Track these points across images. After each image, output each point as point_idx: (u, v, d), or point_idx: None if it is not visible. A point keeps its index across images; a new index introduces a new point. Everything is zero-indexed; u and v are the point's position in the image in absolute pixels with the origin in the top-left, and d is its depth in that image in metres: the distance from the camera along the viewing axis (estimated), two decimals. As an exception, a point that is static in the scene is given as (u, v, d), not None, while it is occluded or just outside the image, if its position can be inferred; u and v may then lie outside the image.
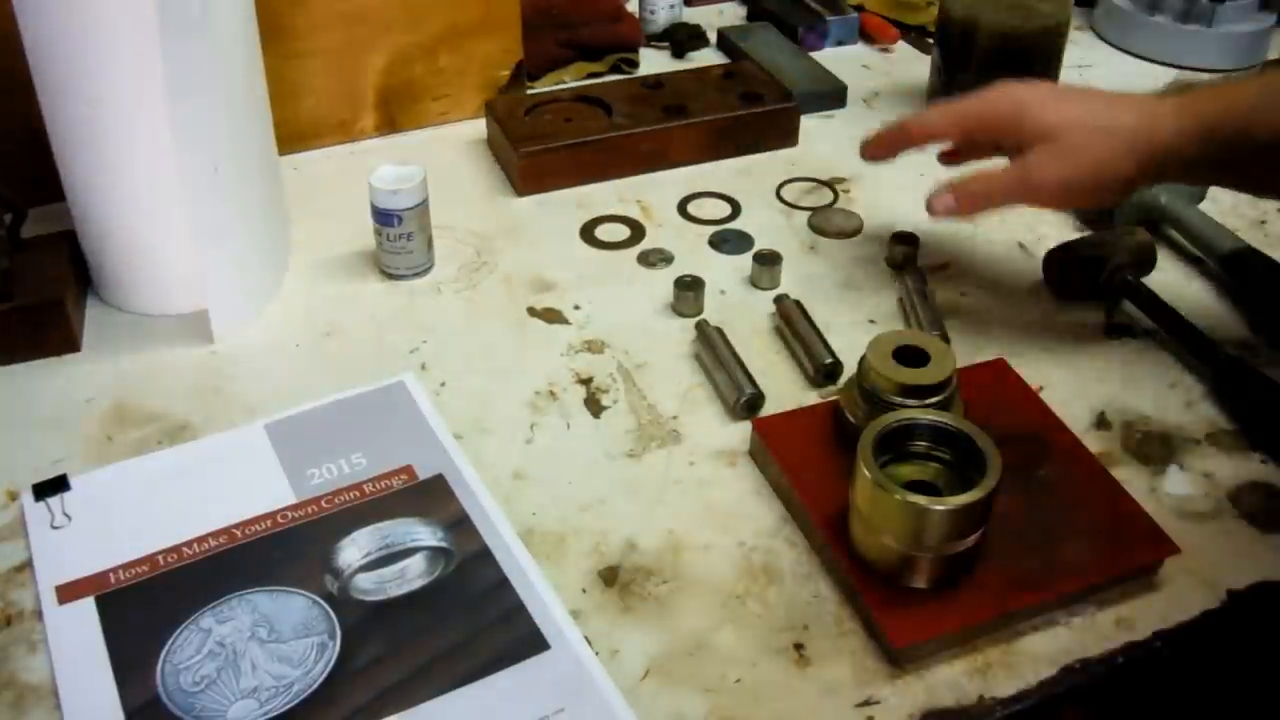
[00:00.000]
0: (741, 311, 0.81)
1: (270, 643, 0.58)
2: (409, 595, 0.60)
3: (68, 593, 0.60)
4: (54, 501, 0.65)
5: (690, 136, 0.97)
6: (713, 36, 1.20)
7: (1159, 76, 1.13)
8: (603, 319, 0.81)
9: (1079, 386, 0.76)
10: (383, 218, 0.82)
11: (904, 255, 0.85)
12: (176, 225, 0.75)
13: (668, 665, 0.58)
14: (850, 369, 0.74)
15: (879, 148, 0.80)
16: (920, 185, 0.78)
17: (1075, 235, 0.86)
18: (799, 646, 0.59)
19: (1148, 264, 0.83)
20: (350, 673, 0.56)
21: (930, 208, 0.75)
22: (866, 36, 1.22)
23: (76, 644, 0.58)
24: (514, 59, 1.04)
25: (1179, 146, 0.69)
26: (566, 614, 0.59)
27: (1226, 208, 0.92)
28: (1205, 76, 1.12)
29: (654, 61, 1.15)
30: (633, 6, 1.20)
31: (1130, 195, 0.79)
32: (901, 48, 1.21)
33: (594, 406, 0.73)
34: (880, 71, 1.16)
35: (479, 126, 1.02)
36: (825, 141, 1.03)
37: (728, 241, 0.89)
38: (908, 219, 0.89)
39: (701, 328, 0.77)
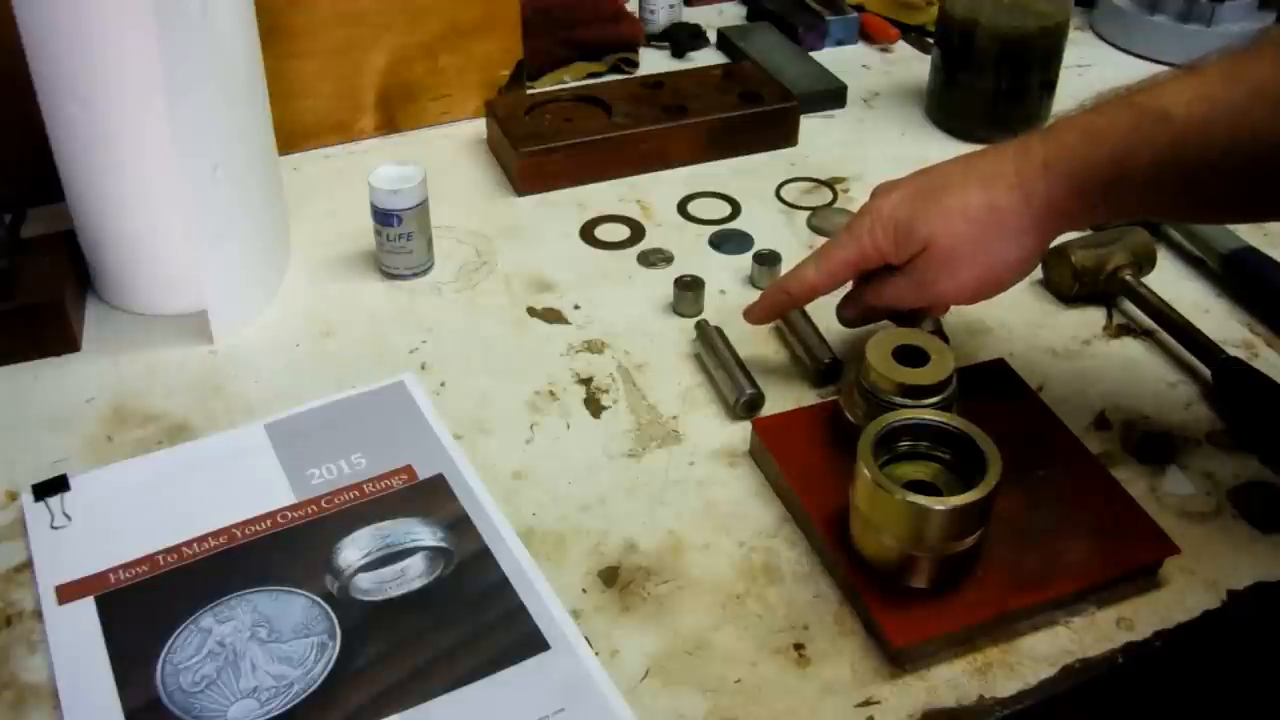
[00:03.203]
0: (741, 311, 0.81)
1: (270, 643, 0.58)
2: (409, 595, 0.60)
3: (68, 593, 0.60)
4: (54, 501, 0.65)
5: (690, 136, 0.97)
6: (713, 36, 1.20)
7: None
8: (603, 319, 0.81)
9: (1079, 386, 0.76)
10: (383, 218, 0.82)
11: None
12: (176, 225, 0.75)
13: (668, 665, 0.58)
14: (850, 369, 0.74)
15: (762, 313, 0.74)
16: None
17: (1075, 235, 0.86)
18: (799, 646, 0.59)
19: (1148, 264, 0.83)
20: (350, 673, 0.56)
21: (841, 318, 0.74)
22: (866, 36, 1.22)
23: (76, 644, 0.58)
24: (514, 59, 1.04)
25: (1059, 205, 0.64)
26: (566, 614, 0.59)
27: (1226, 208, 0.92)
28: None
29: (654, 61, 1.15)
30: (633, 6, 1.20)
31: (1043, 256, 0.69)
32: (901, 48, 1.21)
33: (594, 406, 0.73)
34: (880, 71, 1.16)
35: (479, 126, 1.02)
36: (825, 141, 1.03)
37: (728, 241, 0.89)
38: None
39: (701, 328, 0.77)
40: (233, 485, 0.66)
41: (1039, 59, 1.00)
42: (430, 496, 0.66)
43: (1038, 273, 0.85)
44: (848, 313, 0.74)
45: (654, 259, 0.87)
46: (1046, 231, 0.66)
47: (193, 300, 0.78)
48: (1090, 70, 1.15)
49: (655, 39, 1.18)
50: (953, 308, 0.76)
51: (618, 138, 0.95)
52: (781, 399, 0.74)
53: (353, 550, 0.62)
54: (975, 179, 0.66)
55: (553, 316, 0.81)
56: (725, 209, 0.93)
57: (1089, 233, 0.84)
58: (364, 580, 0.61)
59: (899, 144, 1.03)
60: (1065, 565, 0.60)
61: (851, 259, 0.70)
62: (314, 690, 0.55)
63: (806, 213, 0.92)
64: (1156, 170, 0.60)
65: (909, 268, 0.68)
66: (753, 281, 0.84)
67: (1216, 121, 0.58)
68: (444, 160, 0.98)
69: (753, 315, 0.75)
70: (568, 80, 1.10)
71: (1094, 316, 0.82)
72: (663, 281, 0.83)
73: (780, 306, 0.74)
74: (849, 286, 0.74)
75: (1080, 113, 0.64)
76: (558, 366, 0.77)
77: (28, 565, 0.62)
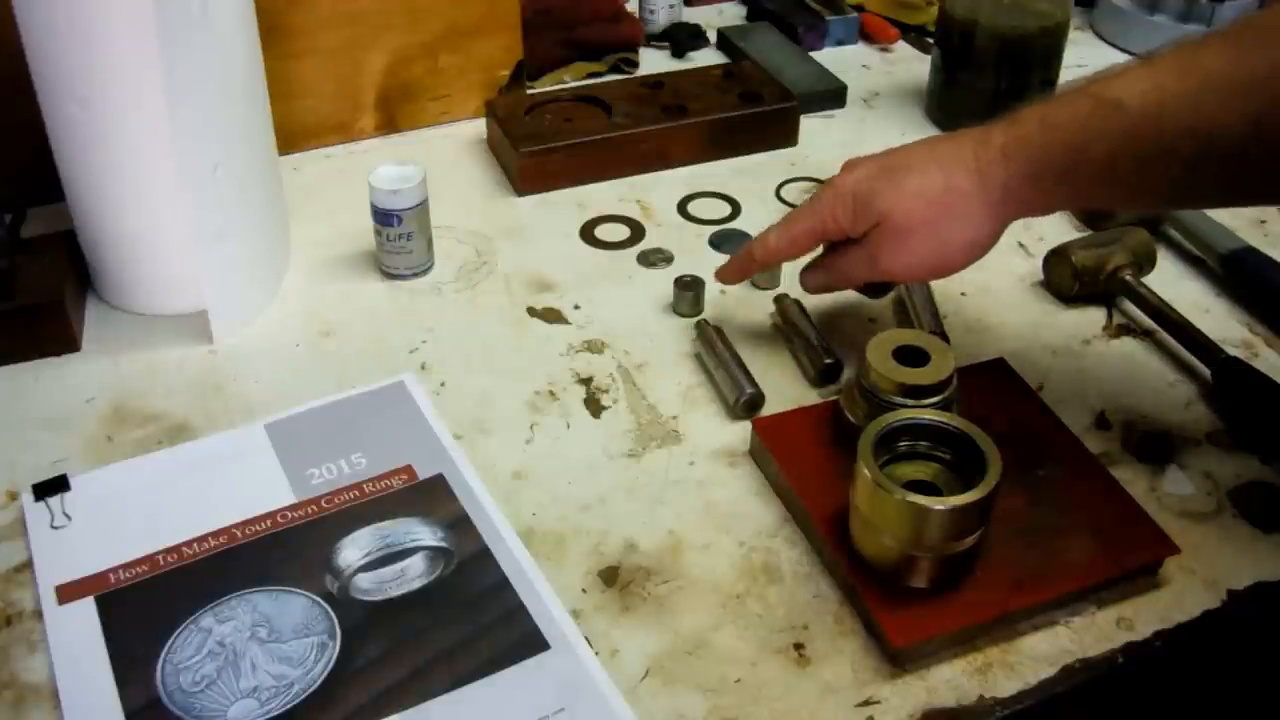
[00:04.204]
0: (741, 311, 0.81)
1: (270, 643, 0.58)
2: (409, 595, 0.60)
3: (68, 593, 0.60)
4: (54, 501, 0.65)
5: (690, 136, 0.97)
6: (713, 36, 1.20)
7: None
8: (603, 319, 0.81)
9: (1079, 386, 0.76)
10: (383, 218, 0.82)
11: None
12: (176, 225, 0.75)
13: (668, 665, 0.58)
14: (850, 369, 0.74)
15: (731, 274, 0.79)
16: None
17: (1075, 235, 0.86)
18: (799, 646, 0.59)
19: (1148, 264, 0.83)
20: (350, 673, 0.56)
21: (803, 284, 0.77)
22: (866, 36, 1.22)
23: (76, 644, 0.58)
24: (514, 59, 1.04)
25: (1015, 193, 0.65)
26: (566, 614, 0.59)
27: (1226, 208, 0.92)
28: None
29: (654, 61, 1.15)
30: (633, 6, 1.20)
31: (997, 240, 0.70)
32: (901, 48, 1.21)
33: (594, 406, 0.73)
34: (880, 71, 1.16)
35: (479, 126, 1.02)
36: (825, 141, 1.03)
37: (728, 241, 0.89)
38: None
39: (701, 328, 0.77)
40: (233, 485, 0.66)
41: (1039, 59, 1.00)
42: (430, 496, 0.66)
43: (1038, 273, 0.85)
44: (810, 280, 0.77)
45: (654, 259, 0.87)
46: (1001, 217, 0.68)
47: (193, 300, 0.78)
48: (1090, 70, 1.15)
49: (655, 39, 1.18)
50: (953, 308, 0.76)
51: (618, 138, 0.95)
52: (781, 399, 0.74)
53: (353, 550, 0.62)
54: (935, 162, 0.68)
55: (553, 316, 0.81)
56: (725, 209, 0.93)
57: (1089, 233, 0.84)
58: (364, 580, 0.61)
59: (899, 144, 1.02)
60: (1065, 565, 0.60)
61: (814, 228, 0.73)
62: (314, 690, 0.55)
63: (806, 213, 0.92)
64: (1110, 159, 0.61)
65: (864, 240, 0.71)
66: (753, 282, 0.84)
67: (1168, 111, 0.59)
68: (444, 160, 0.98)
69: (722, 275, 0.79)
70: (568, 80, 1.10)
71: (1094, 316, 0.82)
72: (663, 281, 0.83)
73: (746, 269, 0.79)
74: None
75: (1041, 103, 0.66)
76: (558, 366, 0.77)
77: (28, 565, 0.62)
